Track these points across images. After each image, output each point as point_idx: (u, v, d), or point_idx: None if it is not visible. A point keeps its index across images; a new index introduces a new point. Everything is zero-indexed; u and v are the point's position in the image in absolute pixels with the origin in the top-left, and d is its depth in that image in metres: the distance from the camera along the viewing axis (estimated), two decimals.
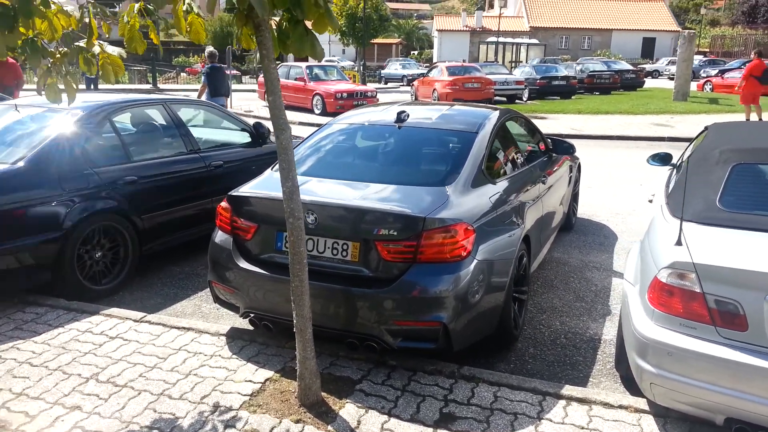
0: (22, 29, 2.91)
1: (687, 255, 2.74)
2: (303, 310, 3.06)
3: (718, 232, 2.90)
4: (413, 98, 23.16)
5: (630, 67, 29.73)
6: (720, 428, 2.86)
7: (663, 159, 5.17)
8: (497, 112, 4.67)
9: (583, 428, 3.04)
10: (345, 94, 17.49)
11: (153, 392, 3.30)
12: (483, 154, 3.98)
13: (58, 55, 3.30)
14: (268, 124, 4.69)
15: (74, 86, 3.42)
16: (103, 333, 3.99)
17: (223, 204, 3.85)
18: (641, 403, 3.20)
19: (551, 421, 3.09)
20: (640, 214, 7.50)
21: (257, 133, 6.48)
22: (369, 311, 3.31)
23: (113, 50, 3.35)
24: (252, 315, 3.71)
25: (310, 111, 18.21)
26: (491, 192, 3.85)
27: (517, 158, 4.64)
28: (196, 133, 5.86)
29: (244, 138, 6.45)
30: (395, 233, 3.29)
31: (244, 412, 3.11)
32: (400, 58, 48.41)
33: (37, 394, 3.27)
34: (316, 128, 4.84)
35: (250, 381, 3.41)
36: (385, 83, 37.81)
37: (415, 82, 23.00)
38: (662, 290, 2.81)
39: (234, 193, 3.79)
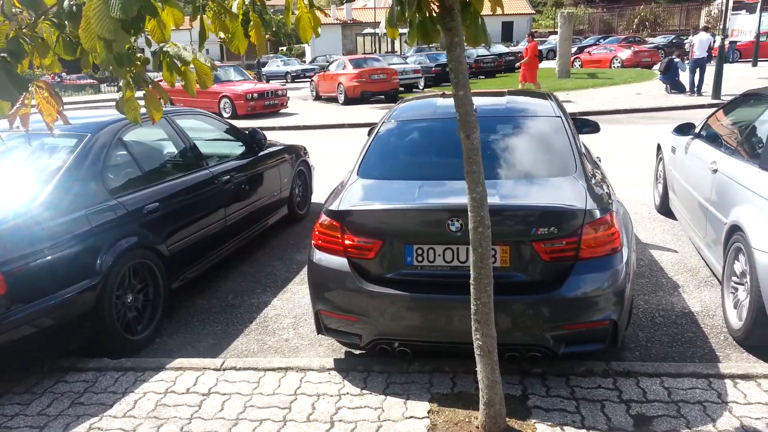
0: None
1: None
2: (490, 329, 2.72)
3: None
4: (313, 94, 22.57)
5: (508, 50, 31.13)
6: None
7: (686, 129, 5.35)
8: (549, 95, 4.52)
9: None
10: (255, 95, 16.63)
11: None
12: (576, 137, 3.83)
13: (138, 63, 2.69)
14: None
15: (162, 100, 2.81)
16: (190, 390, 3.37)
17: (325, 221, 3.37)
18: None
19: (738, 403, 3.01)
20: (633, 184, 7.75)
21: (254, 140, 5.87)
22: (535, 319, 3.04)
23: (202, 57, 2.79)
24: (383, 342, 3.29)
25: (218, 115, 17.11)
26: (596, 176, 3.70)
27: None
28: (198, 145, 5.18)
29: (239, 146, 5.82)
30: (555, 230, 3.03)
31: None
32: (277, 55, 47.12)
33: None
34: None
35: (413, 417, 3.01)
36: (267, 81, 36.66)
37: (315, 78, 22.39)
38: None
39: (343, 207, 3.31)
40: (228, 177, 5.21)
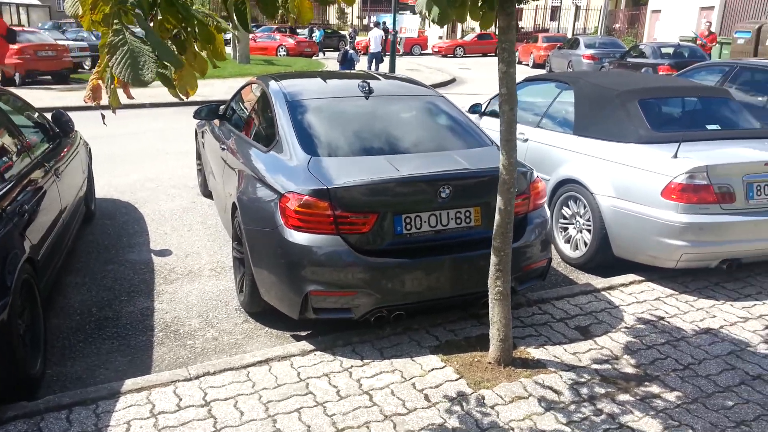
0: None
1: None
2: (508, 276, 3.16)
3: None
4: None
5: None
6: None
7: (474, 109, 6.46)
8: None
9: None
10: None
11: (379, 419, 2.82)
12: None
13: None
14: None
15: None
16: (183, 406, 2.92)
17: (307, 201, 3.24)
18: None
19: (623, 304, 4.07)
20: None
21: (59, 123, 4.86)
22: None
23: None
24: (380, 311, 3.37)
25: None
26: None
27: None
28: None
29: (43, 131, 4.74)
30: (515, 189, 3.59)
31: (485, 390, 3.06)
32: None
33: None
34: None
35: (434, 369, 3.24)
36: None
37: None
38: None
39: (332, 185, 3.24)
40: (57, 168, 4.29)
